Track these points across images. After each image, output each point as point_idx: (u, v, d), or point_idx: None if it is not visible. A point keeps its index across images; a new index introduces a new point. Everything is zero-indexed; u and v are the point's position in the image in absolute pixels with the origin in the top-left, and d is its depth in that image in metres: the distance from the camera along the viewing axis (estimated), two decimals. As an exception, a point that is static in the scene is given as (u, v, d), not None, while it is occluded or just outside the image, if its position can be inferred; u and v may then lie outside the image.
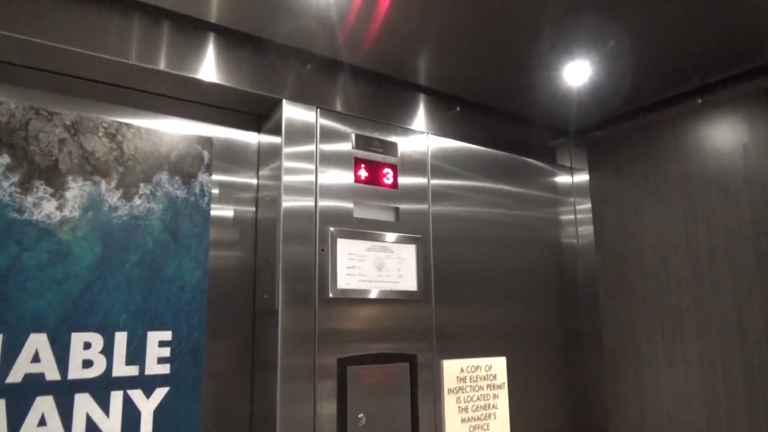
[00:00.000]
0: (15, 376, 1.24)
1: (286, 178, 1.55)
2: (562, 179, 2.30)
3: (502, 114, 2.12)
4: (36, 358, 1.27)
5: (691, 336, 1.96)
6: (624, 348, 2.17)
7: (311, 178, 1.60)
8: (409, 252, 1.73)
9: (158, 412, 1.40)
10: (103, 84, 1.46)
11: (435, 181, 1.86)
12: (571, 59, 1.69)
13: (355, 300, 1.61)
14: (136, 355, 1.39)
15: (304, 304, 1.52)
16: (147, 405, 1.39)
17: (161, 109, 1.55)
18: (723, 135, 1.93)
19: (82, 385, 1.32)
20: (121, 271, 1.40)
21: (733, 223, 1.87)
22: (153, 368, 1.41)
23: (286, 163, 1.56)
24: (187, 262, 1.50)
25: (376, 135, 1.75)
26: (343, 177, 1.66)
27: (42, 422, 1.26)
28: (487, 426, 1.82)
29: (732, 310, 1.85)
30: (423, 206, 1.81)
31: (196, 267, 1.51)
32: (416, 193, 1.81)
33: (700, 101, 1.93)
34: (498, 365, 1.89)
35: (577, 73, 1.77)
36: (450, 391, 1.76)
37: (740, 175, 1.86)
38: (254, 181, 1.68)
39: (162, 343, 1.43)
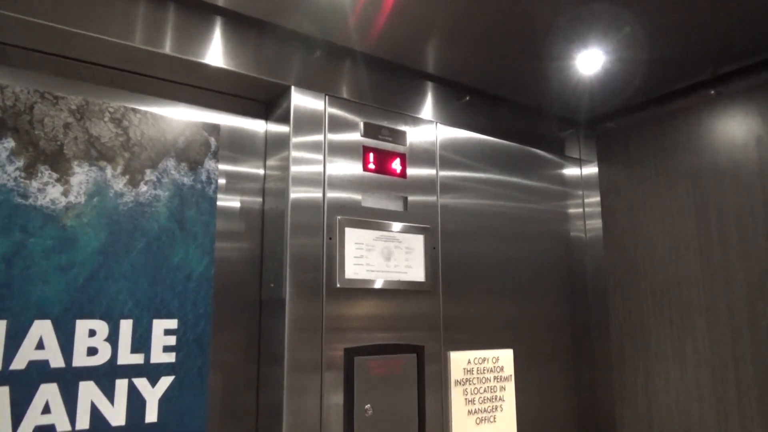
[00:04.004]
0: (19, 363, 1.23)
1: (294, 169, 1.53)
2: (571, 171, 2.27)
3: (511, 104, 2.09)
4: (40, 345, 1.25)
5: (702, 329, 1.93)
6: (632, 341, 2.15)
7: (319, 168, 1.57)
8: (417, 242, 1.71)
9: (164, 401, 1.39)
10: (109, 68, 1.44)
11: (443, 172, 1.84)
12: (584, 47, 1.66)
13: (363, 290, 1.59)
14: (141, 343, 1.38)
15: (311, 294, 1.50)
16: (152, 393, 1.38)
17: (168, 95, 1.52)
18: (736, 127, 1.90)
19: (87, 373, 1.30)
20: (126, 258, 1.38)
21: (745, 216, 1.84)
22: (158, 357, 1.39)
23: (294, 153, 1.53)
24: (193, 250, 1.48)
25: (384, 123, 1.73)
26: (352, 166, 1.63)
27: (46, 410, 1.24)
28: (494, 418, 1.81)
29: (743, 303, 1.83)
30: (431, 196, 1.79)
31: (202, 255, 1.49)
32: (425, 183, 1.78)
33: (713, 92, 1.90)
34: (505, 357, 1.88)
35: (590, 62, 1.74)
36: (457, 382, 1.74)
37: (753, 167, 1.84)
38: (261, 171, 1.66)
39: (168, 332, 1.41)
